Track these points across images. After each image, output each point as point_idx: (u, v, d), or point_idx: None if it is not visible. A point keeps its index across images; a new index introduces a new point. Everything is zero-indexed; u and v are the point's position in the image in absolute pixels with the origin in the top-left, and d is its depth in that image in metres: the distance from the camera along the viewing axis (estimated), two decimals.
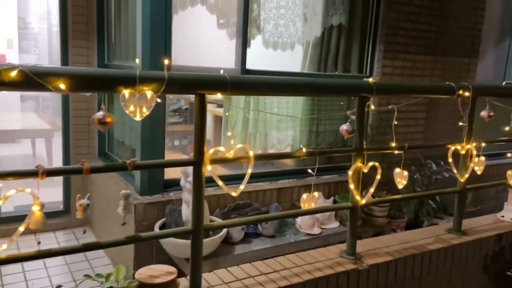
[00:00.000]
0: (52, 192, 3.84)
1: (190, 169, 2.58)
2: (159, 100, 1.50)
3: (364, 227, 3.56)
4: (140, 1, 2.64)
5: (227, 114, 3.19)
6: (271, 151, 3.46)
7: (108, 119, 1.40)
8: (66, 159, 3.83)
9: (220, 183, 1.66)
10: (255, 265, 1.93)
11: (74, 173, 1.37)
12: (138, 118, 1.42)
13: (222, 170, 3.62)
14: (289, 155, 2.06)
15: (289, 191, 3.46)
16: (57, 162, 4.33)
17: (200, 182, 1.59)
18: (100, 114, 1.39)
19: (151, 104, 1.41)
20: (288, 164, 3.85)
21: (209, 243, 2.60)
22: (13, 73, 1.18)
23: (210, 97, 1.63)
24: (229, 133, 1.59)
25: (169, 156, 3.09)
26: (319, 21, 3.57)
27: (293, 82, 1.81)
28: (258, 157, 1.77)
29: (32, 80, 1.20)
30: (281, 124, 3.56)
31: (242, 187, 1.69)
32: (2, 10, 7.04)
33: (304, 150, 1.88)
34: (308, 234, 3.14)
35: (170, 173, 3.00)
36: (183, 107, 6.98)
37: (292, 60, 3.83)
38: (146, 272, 1.57)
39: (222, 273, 1.85)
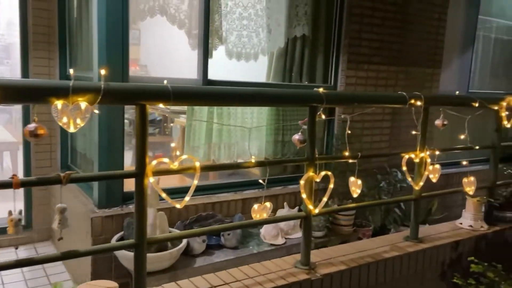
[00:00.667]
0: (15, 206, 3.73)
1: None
2: (96, 111, 1.48)
3: (330, 236, 3.56)
4: (95, 12, 2.61)
5: (189, 124, 3.17)
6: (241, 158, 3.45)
7: (41, 131, 1.36)
8: (27, 172, 3.74)
9: (163, 195, 1.63)
10: (205, 277, 1.89)
11: (4, 187, 1.32)
12: (72, 129, 1.38)
13: (188, 181, 3.58)
14: (239, 166, 2.03)
15: (254, 201, 3.42)
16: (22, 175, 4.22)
17: (142, 194, 1.56)
18: (32, 126, 1.35)
19: (85, 115, 1.38)
20: (255, 174, 3.84)
21: (167, 256, 2.55)
22: None
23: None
24: (172, 144, 1.56)
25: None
26: (283, 32, 3.60)
27: (239, 92, 1.81)
28: (204, 168, 1.74)
29: None
30: (246, 134, 3.55)
31: (187, 198, 1.66)
32: None
33: (253, 160, 1.86)
34: (271, 245, 3.12)
35: (129, 186, 2.95)
36: (157, 118, 6.92)
37: (258, 70, 3.85)
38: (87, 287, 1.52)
39: (170, 286, 1.81)
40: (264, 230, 3.18)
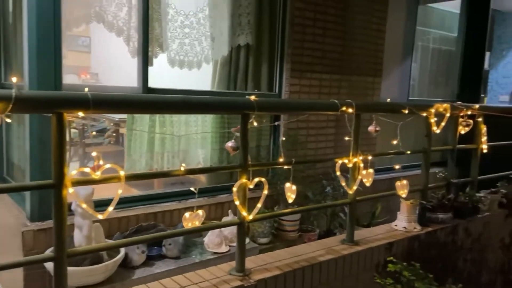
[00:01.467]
0: None
1: (80, 192, 2.47)
2: (9, 120, 1.42)
3: (275, 242, 3.59)
4: (26, 19, 2.52)
5: (130, 134, 3.11)
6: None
7: None
8: None
9: (84, 205, 1.58)
10: None
11: None
12: None
13: (134, 191, 3.50)
14: (168, 174, 2.01)
15: (200, 208, 3.40)
16: None
17: (60, 206, 1.50)
18: None
19: None
20: (201, 181, 3.81)
21: (102, 269, 2.47)
22: None
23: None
24: (93, 153, 1.51)
25: None
26: (226, 41, 3.62)
27: (166, 100, 1.79)
28: (129, 177, 1.70)
29: None
30: (191, 143, 3.53)
31: (110, 209, 1.62)
32: None
33: (182, 168, 1.85)
34: (215, 253, 3.10)
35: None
36: (107, 128, 6.73)
37: (204, 78, 3.85)
38: None
39: None
40: (208, 239, 3.15)
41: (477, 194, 3.53)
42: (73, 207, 2.54)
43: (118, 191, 1.63)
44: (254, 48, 3.81)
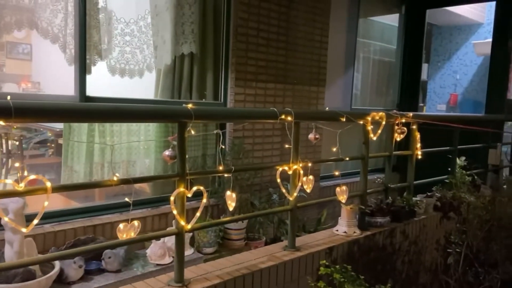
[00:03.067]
0: None
1: (9, 205, 2.35)
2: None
3: (221, 251, 3.57)
4: None
5: (67, 144, 3.00)
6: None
7: None
8: None
9: (7, 219, 1.50)
10: None
11: None
12: None
13: (56, 204, 3.33)
14: (100, 184, 1.96)
15: (142, 221, 3.32)
16: None
17: None
18: None
19: None
20: (144, 192, 3.74)
21: (35, 285, 2.35)
22: None
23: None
24: (16, 164, 1.44)
25: None
26: (169, 50, 3.60)
27: (97, 108, 1.75)
28: (57, 189, 1.64)
29: None
30: (133, 153, 3.46)
31: (35, 221, 1.55)
32: None
33: (116, 178, 1.81)
34: (158, 265, 3.03)
35: None
36: (49, 139, 6.43)
37: (148, 87, 3.80)
38: None
39: None
40: (150, 250, 3.09)
41: (414, 198, 3.71)
42: (2, 222, 2.40)
43: (44, 203, 1.57)
44: (198, 57, 3.81)
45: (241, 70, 3.99)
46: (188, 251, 3.31)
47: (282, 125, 4.53)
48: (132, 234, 1.92)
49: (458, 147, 4.29)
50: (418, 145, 3.70)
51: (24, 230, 1.54)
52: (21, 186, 1.53)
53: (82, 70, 2.95)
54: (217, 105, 3.95)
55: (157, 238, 2.84)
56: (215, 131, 3.65)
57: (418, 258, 3.65)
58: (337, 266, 2.26)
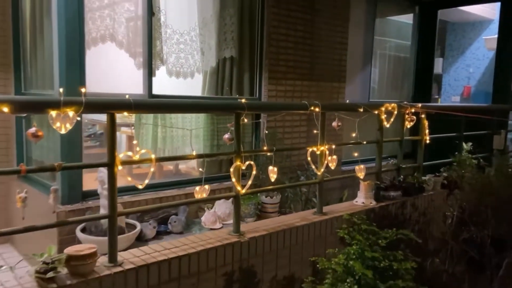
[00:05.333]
0: None
1: (105, 177, 3.04)
2: (79, 119, 2.00)
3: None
4: (56, 38, 3.07)
5: (137, 134, 3.68)
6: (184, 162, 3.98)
7: (40, 133, 1.86)
8: None
9: (129, 178, 2.17)
10: (162, 244, 2.44)
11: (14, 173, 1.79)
12: (63, 131, 1.89)
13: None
14: (183, 157, 2.61)
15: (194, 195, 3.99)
16: None
17: (113, 178, 2.09)
18: (33, 129, 1.85)
19: (73, 121, 1.90)
20: (192, 173, 4.41)
21: (124, 239, 3.04)
22: None
23: (124, 120, 2.14)
24: (134, 142, 2.08)
25: (85, 175, 3.48)
26: (214, 54, 4.24)
27: (182, 103, 2.40)
28: (158, 159, 2.30)
29: None
30: (186, 140, 4.12)
31: (147, 181, 2.21)
32: None
33: (194, 153, 2.46)
34: (211, 229, 3.69)
35: (87, 185, 3.39)
36: (98, 132, 7.20)
37: (193, 86, 4.45)
38: (72, 249, 2.01)
39: (133, 251, 2.33)
40: (204, 218, 3.75)
41: (423, 177, 4.25)
42: (99, 190, 3.10)
43: (151, 169, 2.23)
44: (237, 60, 4.44)
45: (273, 70, 4.60)
46: (232, 220, 3.96)
47: (307, 117, 5.15)
48: (204, 195, 2.56)
49: (465, 133, 4.79)
50: (427, 131, 4.24)
51: (140, 186, 2.20)
52: (137, 157, 2.19)
53: (149, 73, 3.62)
54: (253, 99, 4.58)
55: (220, 199, 3.48)
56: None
57: (426, 227, 4.19)
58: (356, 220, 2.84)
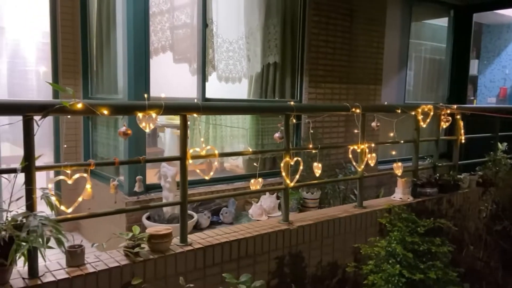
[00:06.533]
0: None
1: (168, 172, 3.39)
2: (158, 119, 2.33)
3: None
4: (125, 50, 3.45)
5: (191, 135, 4.03)
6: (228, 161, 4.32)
7: (128, 131, 2.20)
8: (57, 172, 4.46)
9: (198, 170, 2.49)
10: (222, 229, 2.75)
11: (107, 165, 2.14)
12: (147, 130, 2.23)
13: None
14: (241, 153, 2.92)
15: (242, 190, 4.31)
16: None
17: (184, 169, 2.41)
18: (123, 128, 2.20)
19: (155, 121, 2.24)
20: (237, 170, 4.73)
21: None
22: (79, 105, 1.98)
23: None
24: (202, 139, 2.39)
25: (148, 171, 3.88)
26: (259, 60, 4.54)
27: (239, 105, 2.70)
28: (220, 154, 2.62)
29: (89, 109, 2.00)
30: (235, 140, 4.45)
31: (211, 173, 2.53)
32: None
33: (250, 149, 2.76)
34: (258, 221, 3.98)
35: (150, 179, 3.76)
36: (147, 133, 7.67)
37: (242, 90, 4.77)
38: (153, 229, 2.35)
39: (200, 234, 2.65)
40: (252, 210, 4.05)
41: (459, 176, 4.38)
42: (161, 183, 3.46)
43: (215, 163, 2.54)
44: (280, 65, 4.72)
45: (313, 74, 4.86)
46: (277, 213, 4.24)
47: (345, 118, 5.36)
48: (258, 187, 2.86)
49: (501, 134, 4.87)
50: (462, 131, 4.36)
51: (207, 177, 2.52)
52: (203, 153, 2.51)
53: (203, 79, 3.96)
54: (294, 102, 4.85)
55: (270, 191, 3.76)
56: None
57: (462, 222, 4.32)
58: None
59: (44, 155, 4.88)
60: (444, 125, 4.16)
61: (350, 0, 5.13)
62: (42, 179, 2.11)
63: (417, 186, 3.94)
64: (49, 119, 4.33)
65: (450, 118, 4.15)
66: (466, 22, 6.81)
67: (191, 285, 2.10)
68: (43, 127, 4.96)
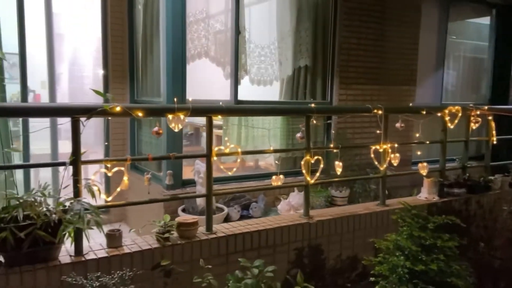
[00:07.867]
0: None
1: (201, 168, 3.66)
2: (187, 120, 2.59)
3: None
4: (165, 57, 3.77)
5: (225, 135, 4.30)
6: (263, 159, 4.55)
7: (160, 131, 2.48)
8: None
9: (221, 166, 2.73)
10: (245, 221, 2.98)
11: (143, 160, 2.43)
12: (176, 130, 2.50)
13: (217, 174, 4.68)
14: (262, 151, 3.13)
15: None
16: None
17: (209, 166, 2.65)
18: (156, 128, 2.48)
19: (183, 122, 2.50)
20: (270, 168, 4.93)
21: (215, 218, 3.62)
22: (118, 109, 2.29)
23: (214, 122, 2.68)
24: (226, 139, 2.62)
25: (184, 167, 4.19)
26: (290, 64, 4.72)
27: (262, 108, 2.91)
28: (244, 153, 2.84)
29: (127, 112, 2.30)
30: (265, 139, 4.65)
31: (234, 169, 2.76)
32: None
33: (271, 148, 2.95)
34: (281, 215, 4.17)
35: (185, 175, 4.07)
36: (188, 132, 8.08)
37: (274, 93, 4.97)
38: (181, 218, 2.62)
39: (224, 225, 2.89)
40: (280, 206, 4.24)
41: (490, 177, 4.31)
42: (195, 178, 3.74)
43: (237, 159, 2.77)
44: (311, 68, 4.86)
45: (344, 76, 4.95)
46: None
47: (376, 118, 5.37)
48: (279, 183, 3.05)
49: None
50: (494, 132, 4.29)
51: (229, 173, 2.75)
52: (227, 151, 2.74)
53: (235, 82, 4.20)
54: (325, 103, 4.97)
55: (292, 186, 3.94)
56: (328, 121, 4.67)
57: (493, 224, 4.25)
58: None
59: (96, 152, 5.38)
60: (474, 126, 4.12)
61: (383, 3, 5.16)
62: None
63: (444, 186, 3.94)
64: (101, 121, 4.77)
65: (479, 119, 4.10)
66: (509, 20, 6.56)
67: (209, 266, 2.34)
68: (97, 127, 5.44)
